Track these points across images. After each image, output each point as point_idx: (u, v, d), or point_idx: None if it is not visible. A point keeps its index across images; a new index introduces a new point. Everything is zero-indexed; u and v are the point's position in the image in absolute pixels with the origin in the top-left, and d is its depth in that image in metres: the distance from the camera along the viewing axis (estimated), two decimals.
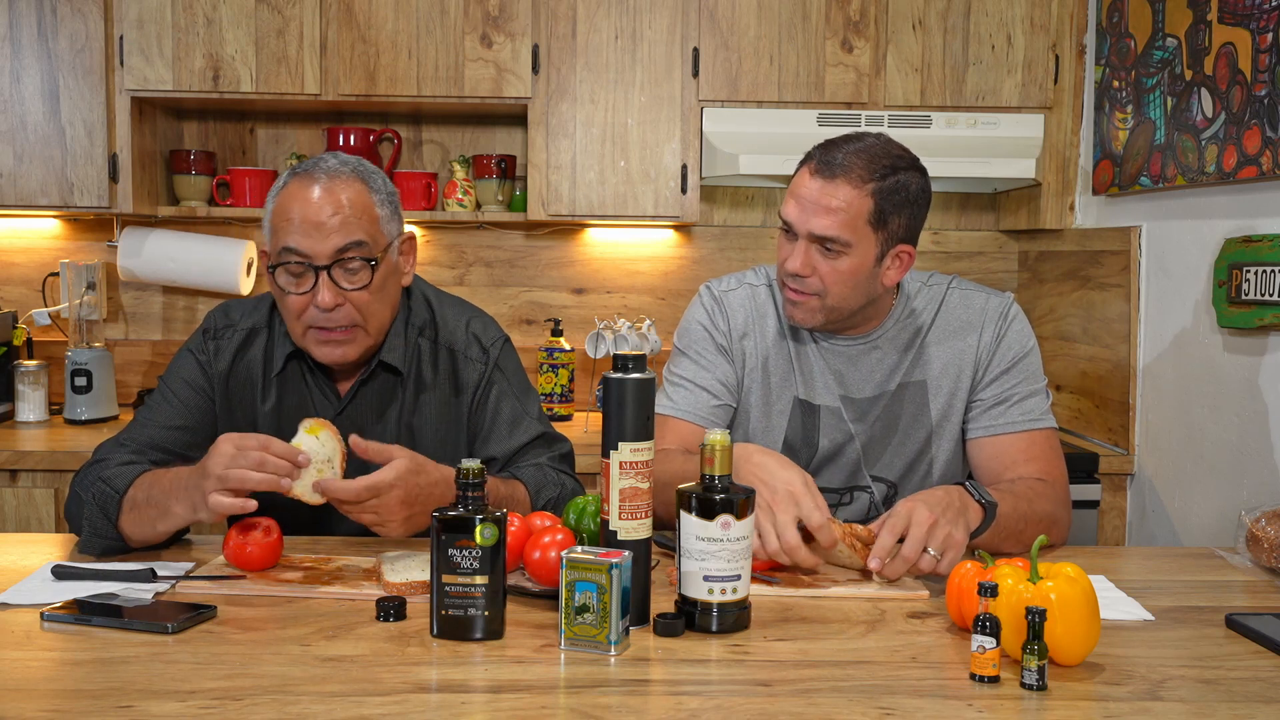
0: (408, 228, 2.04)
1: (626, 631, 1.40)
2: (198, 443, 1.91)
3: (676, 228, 3.61)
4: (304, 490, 1.65)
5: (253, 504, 1.63)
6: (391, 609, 1.49)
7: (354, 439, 1.68)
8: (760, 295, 2.08)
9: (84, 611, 1.48)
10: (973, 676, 1.32)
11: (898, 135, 3.19)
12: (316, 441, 1.67)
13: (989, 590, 1.32)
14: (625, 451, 1.46)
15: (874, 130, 1.99)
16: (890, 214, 1.88)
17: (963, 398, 2.01)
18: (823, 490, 1.97)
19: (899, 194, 1.88)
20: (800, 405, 2.03)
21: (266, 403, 1.97)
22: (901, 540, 1.63)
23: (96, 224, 3.52)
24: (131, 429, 1.94)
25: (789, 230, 1.92)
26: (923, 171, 1.94)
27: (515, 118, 3.48)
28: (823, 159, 1.88)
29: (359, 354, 1.90)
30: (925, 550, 1.62)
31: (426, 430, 1.97)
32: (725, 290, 2.09)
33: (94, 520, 1.78)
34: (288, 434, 1.70)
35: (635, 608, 1.45)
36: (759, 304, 2.07)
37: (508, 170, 3.41)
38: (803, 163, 1.93)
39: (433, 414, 1.98)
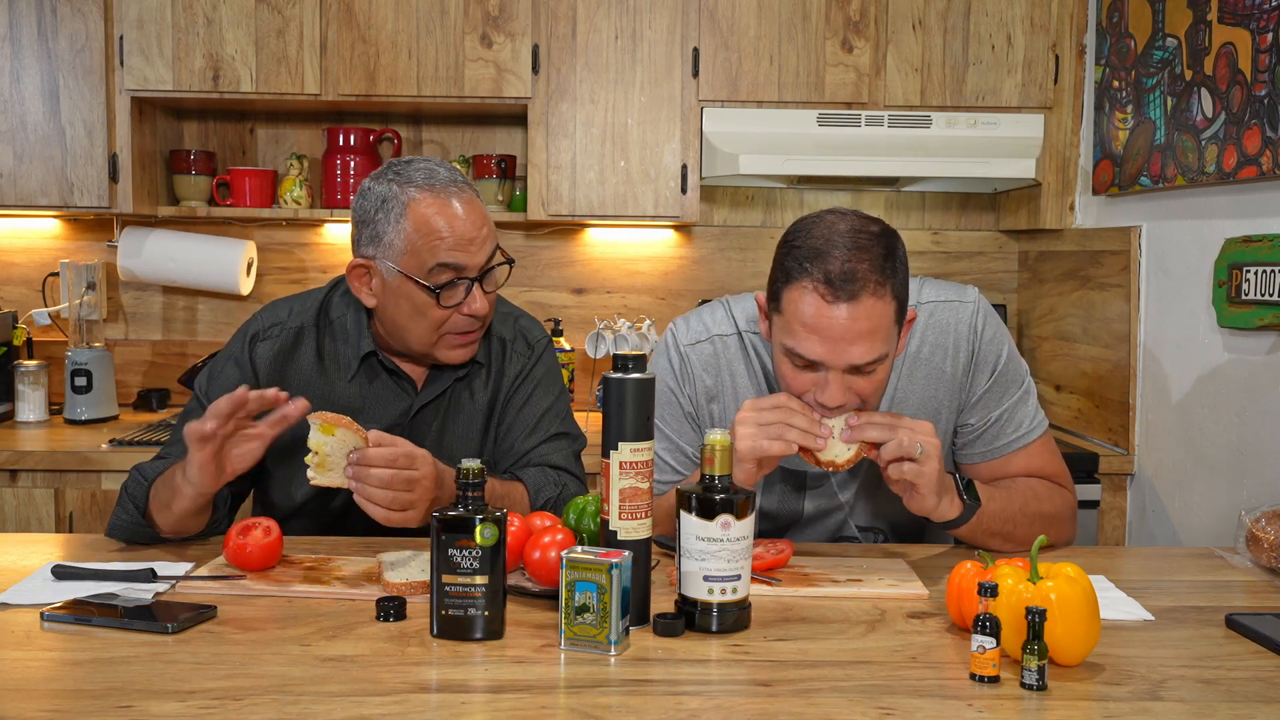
0: None
1: (626, 631, 1.40)
2: None
3: (676, 228, 3.61)
4: (333, 479, 1.68)
5: (211, 425, 1.69)
6: (391, 609, 1.50)
7: (375, 433, 1.70)
8: (730, 349, 1.93)
9: (84, 611, 1.48)
10: (973, 676, 1.32)
11: (898, 135, 3.24)
12: (335, 439, 1.68)
13: (989, 590, 1.32)
14: (625, 451, 1.46)
15: (835, 209, 1.73)
16: (904, 298, 1.70)
17: (945, 425, 1.92)
18: (815, 519, 1.96)
19: (902, 272, 1.70)
20: (779, 470, 1.91)
21: (330, 404, 1.96)
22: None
23: (96, 224, 3.52)
24: (172, 445, 1.94)
25: (806, 365, 1.69)
26: (895, 231, 1.74)
27: (515, 118, 3.48)
28: (829, 279, 1.63)
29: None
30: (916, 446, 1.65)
31: (475, 417, 2.01)
32: (691, 345, 1.93)
33: (125, 505, 1.84)
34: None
35: (635, 608, 1.45)
36: (729, 360, 1.92)
37: (508, 170, 3.41)
38: (790, 283, 1.67)
39: (481, 400, 2.01)
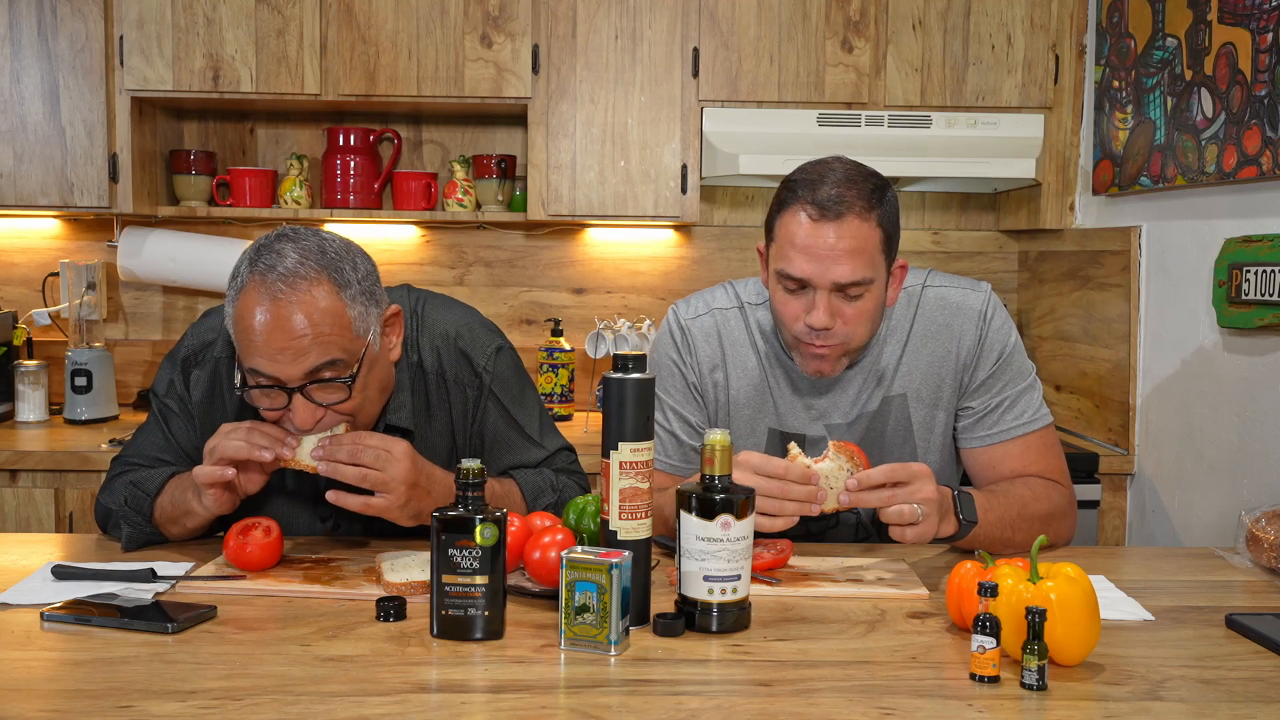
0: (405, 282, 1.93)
1: (626, 631, 1.40)
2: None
3: (676, 228, 3.61)
4: (304, 456, 1.68)
5: (231, 471, 1.66)
6: (391, 609, 1.50)
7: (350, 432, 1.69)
8: (730, 321, 1.98)
9: (84, 611, 1.48)
10: (973, 676, 1.32)
11: (898, 135, 3.24)
12: None
13: (989, 590, 1.32)
14: (625, 451, 1.46)
15: (834, 156, 1.86)
16: (893, 235, 1.81)
17: (946, 407, 1.94)
18: (807, 519, 1.96)
19: (892, 211, 1.81)
20: (778, 436, 1.95)
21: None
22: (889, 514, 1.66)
23: (96, 224, 3.52)
24: (137, 448, 1.93)
25: (797, 286, 1.79)
26: (891, 184, 1.85)
27: (515, 118, 3.48)
28: (816, 201, 1.76)
29: None
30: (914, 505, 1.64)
31: (435, 460, 1.92)
32: (691, 318, 1.99)
33: (130, 519, 1.82)
34: (274, 491, 1.79)
35: (635, 608, 1.45)
36: (729, 332, 1.97)
37: (508, 170, 3.41)
38: (783, 210, 1.80)
39: (434, 451, 1.89)
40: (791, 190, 1.80)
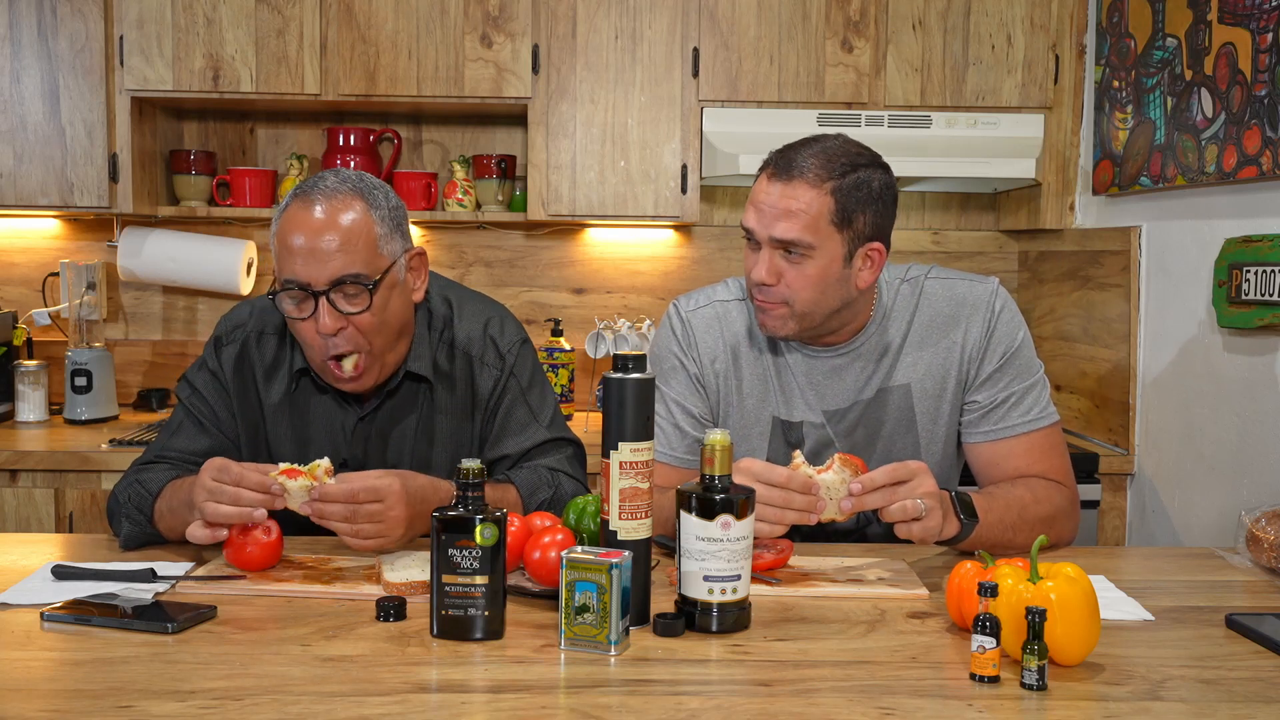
0: (418, 237, 2.02)
1: (626, 631, 1.40)
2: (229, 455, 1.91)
3: (676, 228, 3.61)
4: (294, 505, 1.67)
5: (223, 534, 1.68)
6: (391, 609, 1.50)
7: (340, 476, 1.69)
8: (731, 312, 2.01)
9: (84, 611, 1.48)
10: (973, 676, 1.32)
11: (898, 135, 3.24)
12: (294, 483, 1.68)
13: (989, 590, 1.32)
14: (625, 451, 1.46)
15: (834, 131, 1.92)
16: (854, 212, 1.82)
17: (951, 400, 1.94)
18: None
19: (860, 191, 1.82)
20: (780, 424, 1.97)
21: (282, 410, 1.96)
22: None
23: (96, 224, 3.52)
24: (166, 442, 1.96)
25: (751, 239, 1.87)
26: (885, 168, 1.87)
27: (515, 118, 3.48)
28: (779, 163, 1.84)
29: (374, 382, 1.90)
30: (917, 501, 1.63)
31: (443, 436, 1.97)
32: (693, 310, 2.02)
33: (133, 517, 1.83)
34: (302, 445, 1.79)
35: (635, 608, 1.45)
36: (729, 322, 2.00)
37: (508, 170, 3.41)
38: (761, 169, 1.89)
39: (449, 420, 1.97)
40: (774, 151, 1.89)
